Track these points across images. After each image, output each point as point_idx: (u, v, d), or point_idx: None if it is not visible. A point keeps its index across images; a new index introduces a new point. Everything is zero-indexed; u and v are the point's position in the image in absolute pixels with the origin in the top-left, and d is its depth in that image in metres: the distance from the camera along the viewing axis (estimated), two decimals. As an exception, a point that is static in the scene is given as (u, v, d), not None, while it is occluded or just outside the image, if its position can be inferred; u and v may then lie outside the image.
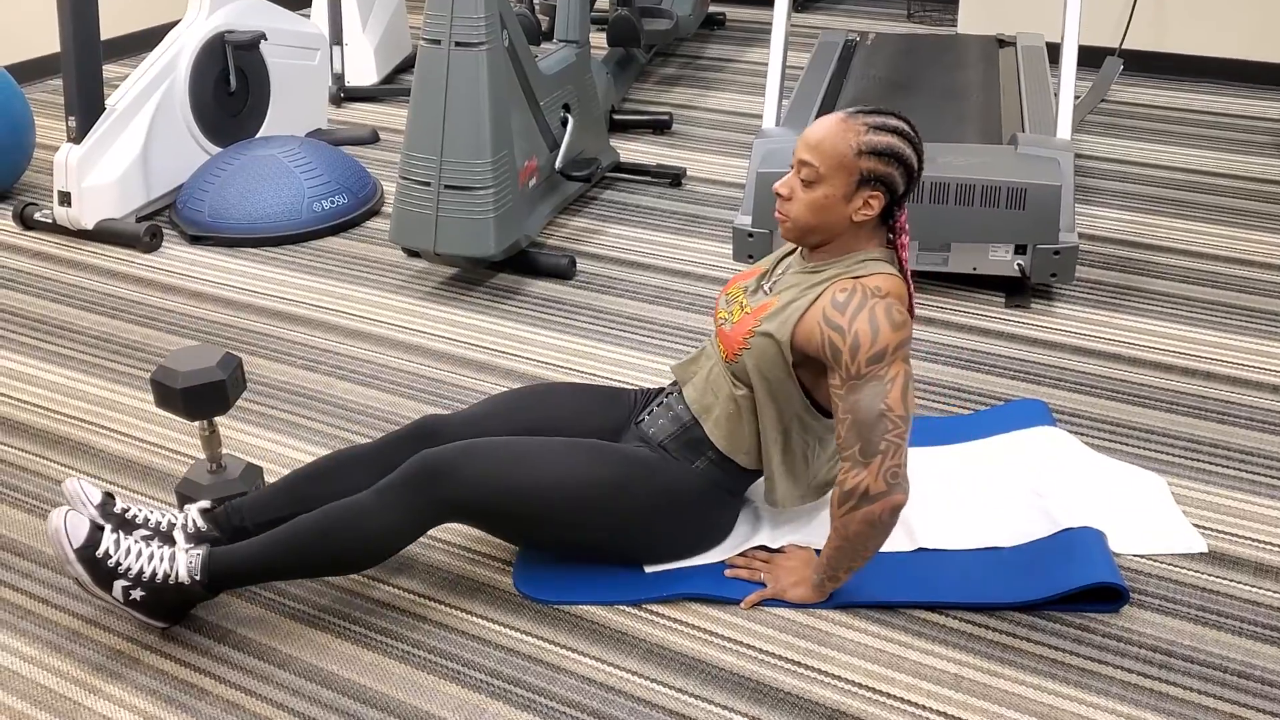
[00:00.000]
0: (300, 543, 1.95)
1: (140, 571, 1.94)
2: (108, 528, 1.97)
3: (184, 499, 2.25)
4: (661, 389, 2.24)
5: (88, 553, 1.92)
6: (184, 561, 1.96)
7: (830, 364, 1.93)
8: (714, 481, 2.10)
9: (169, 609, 1.99)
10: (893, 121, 1.94)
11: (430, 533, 2.26)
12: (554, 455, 2.01)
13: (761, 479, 2.16)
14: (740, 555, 2.14)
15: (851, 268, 1.98)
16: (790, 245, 2.13)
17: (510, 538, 2.10)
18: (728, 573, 2.11)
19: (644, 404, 2.22)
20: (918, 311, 3.08)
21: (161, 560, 1.95)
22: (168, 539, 2.04)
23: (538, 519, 2.01)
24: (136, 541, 1.97)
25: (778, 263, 2.12)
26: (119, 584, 1.94)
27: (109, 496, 2.07)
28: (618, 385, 2.31)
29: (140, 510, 2.08)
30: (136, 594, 1.95)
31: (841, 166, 1.92)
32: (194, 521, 2.07)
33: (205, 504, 2.10)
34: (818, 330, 1.93)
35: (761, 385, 2.01)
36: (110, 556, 1.93)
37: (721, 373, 2.08)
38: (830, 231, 1.97)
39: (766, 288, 2.07)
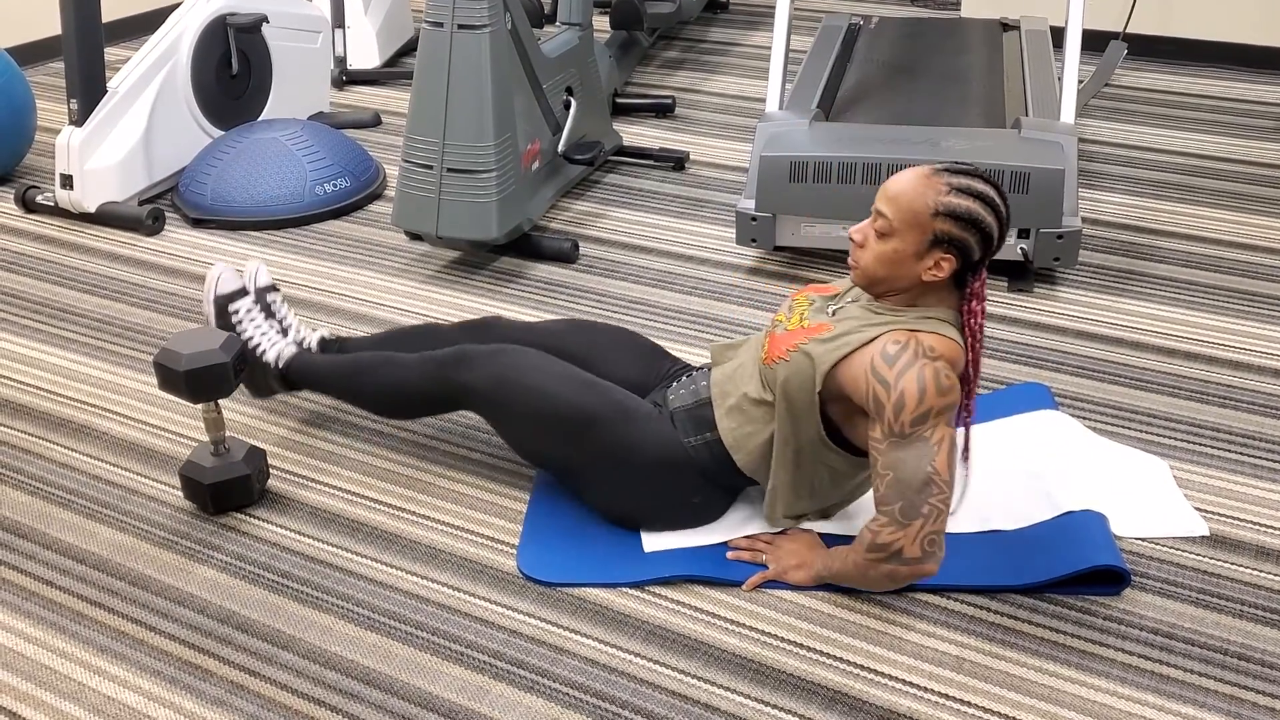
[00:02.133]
0: (355, 371, 2.34)
1: (248, 339, 2.44)
2: (250, 297, 2.49)
3: (188, 482, 2.26)
4: (699, 367, 2.25)
5: (223, 302, 2.46)
6: (278, 348, 2.44)
7: (873, 415, 1.88)
8: (699, 462, 2.09)
9: (256, 385, 2.49)
10: (978, 186, 1.88)
11: (431, 515, 2.27)
12: (562, 377, 2.14)
13: (747, 488, 2.17)
14: (743, 537, 2.15)
15: (913, 322, 1.93)
16: None
17: (509, 440, 2.24)
18: (730, 555, 2.12)
19: (680, 373, 2.27)
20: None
21: (265, 337, 2.45)
22: (283, 333, 2.50)
23: (527, 423, 2.17)
24: (264, 320, 2.47)
25: (850, 288, 2.09)
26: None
27: (273, 288, 2.53)
28: (666, 348, 2.43)
29: (286, 312, 2.54)
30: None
31: (916, 224, 1.87)
32: (310, 343, 2.50)
33: (327, 334, 2.53)
34: (864, 378, 1.89)
35: (783, 400, 1.99)
36: (237, 314, 2.46)
37: (753, 369, 2.07)
38: (897, 285, 1.93)
39: (830, 310, 2.04)
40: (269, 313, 2.51)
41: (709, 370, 2.17)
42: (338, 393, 2.40)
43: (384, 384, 2.30)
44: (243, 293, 2.47)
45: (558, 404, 2.12)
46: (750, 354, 2.12)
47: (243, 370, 2.22)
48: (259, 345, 2.44)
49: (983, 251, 1.89)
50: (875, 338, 1.91)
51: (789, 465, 2.03)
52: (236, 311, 2.46)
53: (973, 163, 2.97)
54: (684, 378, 2.21)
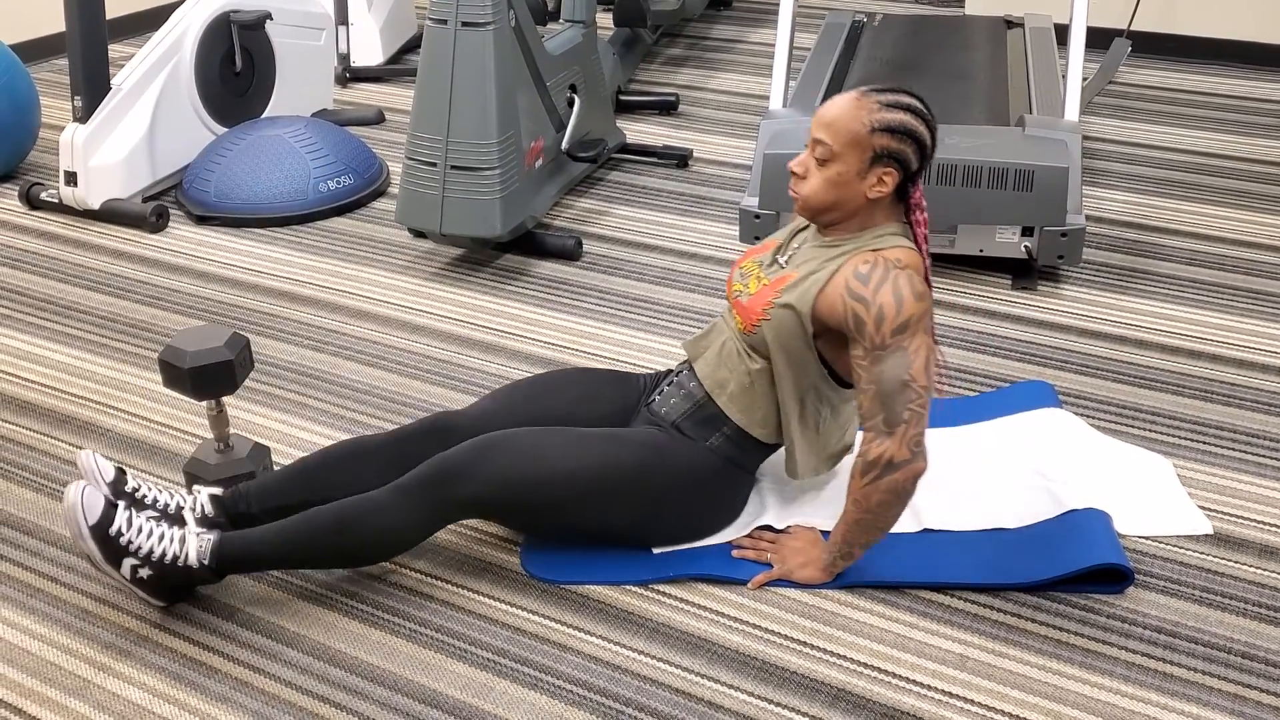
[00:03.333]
0: (315, 536, 1.97)
1: (150, 551, 1.95)
2: (120, 505, 1.97)
3: (192, 478, 2.26)
4: (670, 370, 2.24)
5: (101, 530, 1.93)
6: (194, 545, 1.97)
7: (853, 335, 1.94)
8: (728, 458, 2.10)
9: (172, 589, 2.01)
10: (905, 99, 1.96)
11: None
12: (568, 446, 2.02)
13: (775, 453, 2.17)
14: (747, 536, 2.15)
15: (870, 242, 1.99)
16: (802, 221, 2.13)
17: (527, 528, 2.13)
18: (735, 553, 2.12)
19: (653, 386, 2.22)
20: (924, 293, 3.07)
21: (172, 542, 1.96)
22: (177, 520, 2.03)
23: (554, 509, 2.03)
24: (148, 521, 1.97)
25: (791, 237, 2.12)
26: (128, 562, 1.95)
27: (121, 473, 2.06)
28: (625, 368, 2.31)
29: (151, 490, 2.07)
30: (144, 573, 1.96)
31: (855, 144, 1.93)
32: (203, 506, 2.06)
33: (215, 490, 2.09)
34: (840, 302, 1.94)
35: (780, 356, 2.02)
36: (123, 535, 1.94)
37: (736, 346, 2.09)
38: (844, 209, 1.99)
39: (782, 261, 2.08)
40: (139, 503, 2.02)
41: (690, 369, 2.16)
42: (297, 564, 2.03)
43: (364, 537, 1.98)
44: (111, 505, 1.96)
45: (593, 477, 2.01)
46: (725, 335, 2.13)
47: (248, 366, 2.20)
48: (165, 553, 1.96)
49: (919, 161, 1.96)
50: (842, 265, 1.97)
51: (797, 416, 2.07)
52: (120, 534, 1.94)
53: (975, 160, 2.98)
54: (665, 387, 2.17)
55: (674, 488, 2.06)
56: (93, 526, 1.92)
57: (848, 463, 2.24)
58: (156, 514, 2.03)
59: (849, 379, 2.05)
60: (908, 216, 2.02)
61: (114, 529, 1.94)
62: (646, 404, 2.18)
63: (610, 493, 2.03)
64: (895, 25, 4.35)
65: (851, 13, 4.35)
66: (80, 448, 2.48)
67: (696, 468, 2.08)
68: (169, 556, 1.96)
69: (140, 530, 1.95)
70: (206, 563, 1.97)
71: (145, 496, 2.05)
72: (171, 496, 2.08)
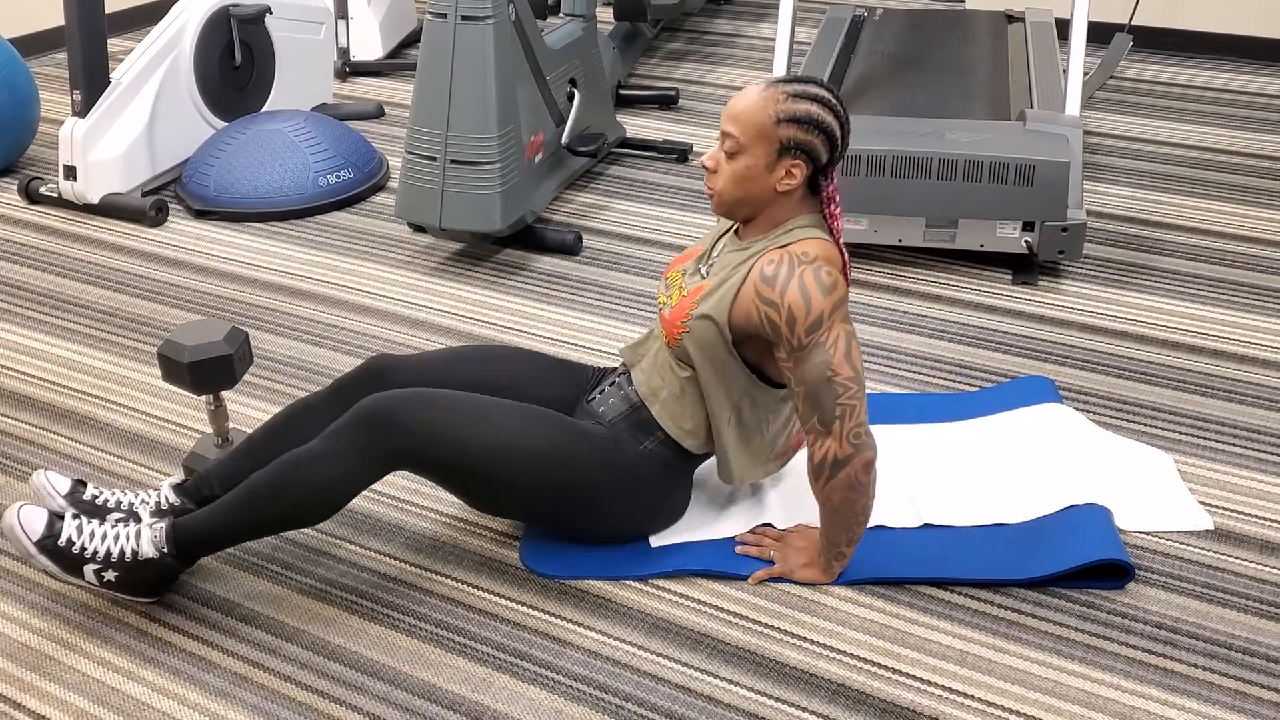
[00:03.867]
0: (256, 500, 1.92)
1: (108, 553, 1.93)
2: (68, 514, 1.95)
3: (191, 473, 2.26)
4: (614, 369, 2.22)
5: (49, 543, 1.91)
6: (148, 536, 1.95)
7: (772, 339, 1.92)
8: (662, 461, 2.08)
9: (147, 584, 1.98)
10: (813, 89, 1.92)
11: (435, 507, 2.26)
12: (504, 416, 1.97)
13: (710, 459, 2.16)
14: (750, 532, 2.14)
15: (779, 238, 1.96)
16: (727, 224, 2.11)
17: (459, 495, 2.04)
18: (738, 550, 2.11)
19: (596, 383, 2.20)
20: (923, 287, 3.07)
21: (126, 539, 1.94)
22: (132, 516, 2.03)
23: (482, 479, 1.97)
24: (101, 524, 1.95)
25: (714, 243, 2.10)
26: (89, 568, 1.93)
27: (79, 484, 2.05)
28: (575, 360, 2.30)
29: (111, 494, 2.06)
30: (110, 575, 1.94)
31: (761, 136, 1.90)
32: (166, 498, 2.05)
33: (176, 479, 2.08)
34: (753, 308, 1.92)
35: (705, 366, 2.00)
36: (74, 543, 1.92)
37: (665, 358, 2.07)
38: (756, 203, 1.96)
39: (703, 270, 2.05)
40: (94, 510, 2.03)
41: (628, 373, 2.14)
42: (248, 535, 1.97)
43: (303, 495, 1.90)
44: (56, 517, 1.94)
45: (525, 453, 1.95)
46: (659, 343, 2.11)
47: (247, 361, 2.20)
48: (124, 551, 1.94)
49: (829, 153, 1.93)
50: (751, 269, 1.94)
51: (732, 424, 2.04)
52: (71, 543, 1.92)
53: (976, 155, 2.98)
54: (607, 386, 2.15)
55: (602, 482, 2.03)
56: (38, 542, 1.90)
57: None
58: (121, 516, 2.02)
59: (780, 380, 2.03)
60: (823, 209, 1.99)
61: (63, 540, 1.91)
62: (586, 400, 2.15)
63: (538, 473, 1.97)
64: (896, 19, 4.35)
65: (852, 7, 4.35)
66: (78, 443, 2.48)
67: (627, 467, 2.05)
68: (127, 553, 1.94)
69: (93, 535, 1.93)
70: (166, 550, 1.94)
71: (106, 502, 2.05)
72: (135, 496, 2.08)
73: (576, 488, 2.02)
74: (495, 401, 2.00)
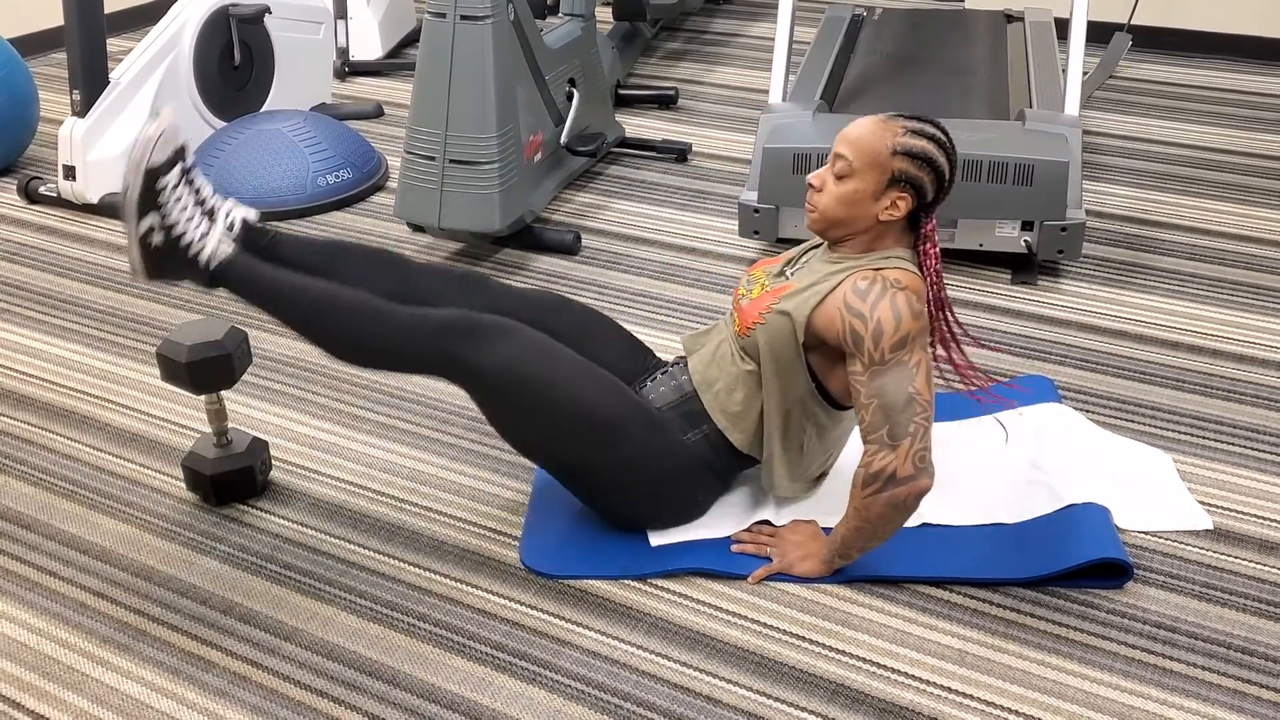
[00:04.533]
0: (321, 304, 2.01)
1: (175, 223, 1.99)
2: (179, 167, 1.99)
3: (191, 473, 2.26)
4: (669, 361, 2.24)
5: (153, 176, 1.96)
6: (211, 245, 2.01)
7: (851, 350, 1.93)
8: (701, 457, 2.09)
9: (163, 268, 2.02)
10: (930, 129, 1.96)
11: (434, 507, 2.26)
12: (578, 371, 2.03)
13: (751, 468, 2.16)
14: (746, 530, 2.15)
15: (873, 261, 1.99)
16: (816, 239, 2.13)
17: (501, 426, 2.10)
18: (734, 548, 2.12)
19: (651, 372, 2.22)
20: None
21: (199, 229, 2.01)
22: (210, 215, 2.05)
23: (529, 417, 2.04)
24: (190, 201, 2.01)
25: (803, 253, 2.13)
26: (151, 218, 1.97)
27: (185, 148, 2.06)
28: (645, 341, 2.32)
29: (201, 180, 2.07)
30: (156, 239, 1.98)
31: (875, 164, 1.94)
32: (236, 222, 2.07)
33: (253, 216, 2.11)
34: (838, 316, 1.94)
35: (770, 363, 2.02)
36: (164, 193, 1.97)
37: (731, 347, 2.09)
38: (855, 227, 1.99)
39: (789, 273, 2.09)
40: (189, 180, 2.04)
41: (685, 364, 2.17)
42: (285, 315, 2.05)
43: (359, 331, 2.02)
44: (178, 158, 2.00)
45: (583, 406, 2.01)
46: (722, 335, 2.13)
47: (246, 361, 2.20)
48: (185, 234, 2.01)
49: (935, 191, 1.97)
50: (842, 281, 1.97)
51: (779, 430, 2.06)
52: (164, 188, 1.98)
53: (975, 154, 2.97)
54: (659, 374, 2.18)
55: (642, 462, 2.06)
56: (149, 168, 1.95)
57: (846, 463, 2.24)
58: (198, 199, 2.05)
59: (840, 399, 2.04)
60: (918, 246, 2.02)
61: (162, 183, 1.97)
62: (638, 387, 2.18)
63: (597, 438, 2.03)
64: (895, 19, 4.35)
65: (851, 6, 4.34)
66: (77, 443, 2.48)
67: (668, 454, 2.07)
68: (186, 238, 2.00)
69: (180, 201, 1.99)
70: (211, 267, 2.02)
71: (195, 179, 2.06)
72: (219, 205, 2.08)
73: (614, 457, 2.05)
74: (572, 355, 2.05)
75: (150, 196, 1.96)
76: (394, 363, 2.05)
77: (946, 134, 1.98)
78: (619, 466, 2.07)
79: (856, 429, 2.14)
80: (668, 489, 2.10)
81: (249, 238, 2.09)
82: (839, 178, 1.97)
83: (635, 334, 2.84)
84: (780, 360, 2.01)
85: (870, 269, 1.97)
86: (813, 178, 2.01)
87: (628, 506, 2.13)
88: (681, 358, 2.20)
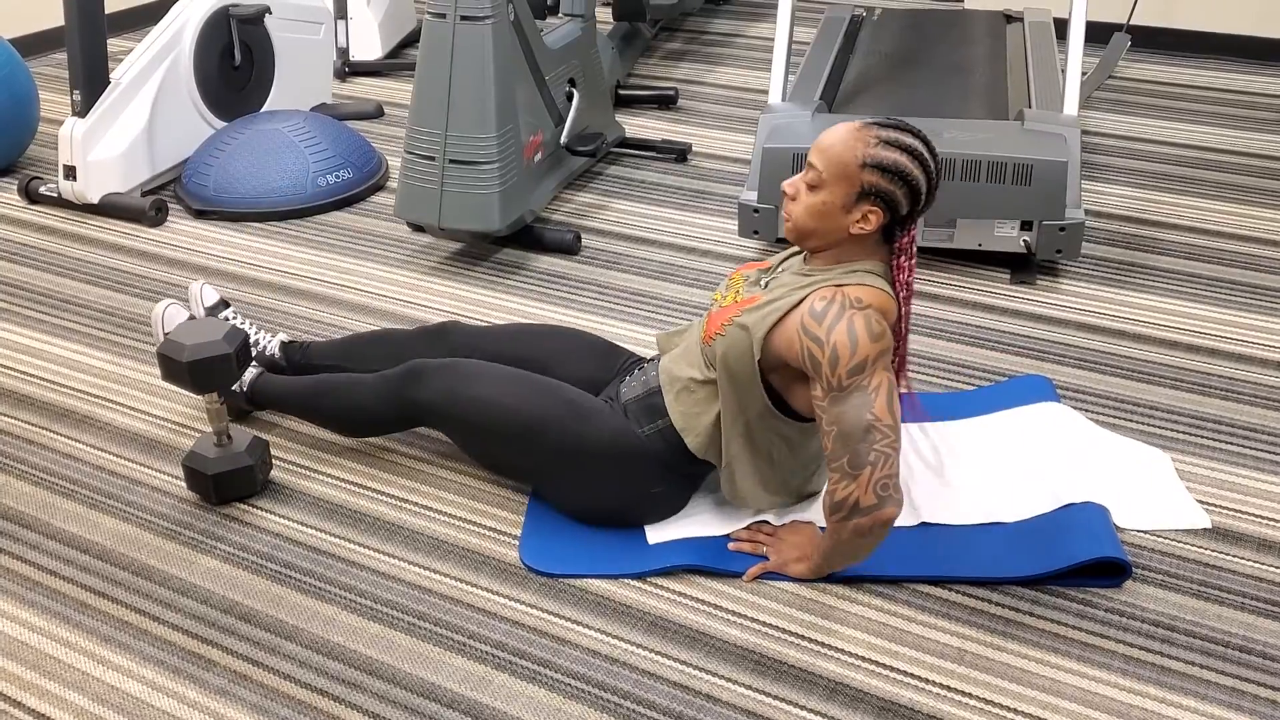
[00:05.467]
0: (316, 395, 2.34)
1: None
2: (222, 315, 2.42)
3: (191, 473, 2.26)
4: (648, 359, 2.26)
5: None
6: (245, 375, 2.39)
7: (811, 374, 1.90)
8: (655, 451, 2.10)
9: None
10: (907, 139, 1.89)
11: (434, 506, 2.27)
12: (504, 381, 2.16)
13: (709, 472, 2.17)
14: (744, 529, 2.15)
15: (839, 277, 1.95)
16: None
17: (469, 451, 2.27)
18: (731, 546, 2.12)
19: (629, 369, 2.25)
20: (921, 286, 3.07)
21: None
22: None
23: (473, 434, 2.19)
24: None
25: (783, 261, 2.11)
26: None
27: (223, 303, 2.55)
28: (622, 344, 2.35)
29: (245, 323, 2.51)
30: None
31: (844, 175, 1.89)
32: (272, 352, 2.50)
33: (285, 337, 2.53)
34: (797, 339, 1.90)
35: (724, 375, 2.00)
36: None
37: (696, 351, 2.09)
38: (827, 239, 1.95)
39: (764, 283, 2.06)
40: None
41: (658, 360, 2.18)
42: (300, 414, 2.40)
43: (344, 406, 2.31)
44: (217, 309, 2.47)
45: (506, 411, 2.13)
46: (694, 337, 2.13)
47: (245, 361, 2.22)
48: None
49: (910, 205, 1.91)
50: (804, 299, 1.93)
51: (741, 440, 2.04)
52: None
53: (974, 154, 2.98)
54: (635, 370, 2.21)
55: (588, 457, 2.10)
56: (169, 334, 2.23)
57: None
58: None
59: (805, 413, 2.02)
60: (892, 259, 1.96)
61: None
62: (616, 385, 2.21)
63: (528, 437, 2.11)
64: (894, 19, 4.35)
65: (851, 6, 4.35)
66: (78, 442, 2.49)
67: (616, 446, 2.09)
68: None
69: None
70: (244, 390, 2.41)
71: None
72: (259, 335, 2.52)
73: (566, 455, 2.11)
74: (505, 369, 2.20)
75: None
76: (375, 425, 2.32)
77: (927, 143, 1.90)
78: (556, 457, 2.12)
79: None
80: (616, 476, 2.11)
81: (288, 355, 2.52)
82: (810, 187, 1.93)
83: (634, 333, 2.86)
84: (735, 375, 1.99)
85: (832, 285, 1.92)
86: (787, 185, 1.96)
87: (588, 497, 2.15)
88: (658, 355, 2.22)
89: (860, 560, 1.99)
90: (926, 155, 1.90)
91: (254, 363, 2.47)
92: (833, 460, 1.89)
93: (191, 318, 2.43)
